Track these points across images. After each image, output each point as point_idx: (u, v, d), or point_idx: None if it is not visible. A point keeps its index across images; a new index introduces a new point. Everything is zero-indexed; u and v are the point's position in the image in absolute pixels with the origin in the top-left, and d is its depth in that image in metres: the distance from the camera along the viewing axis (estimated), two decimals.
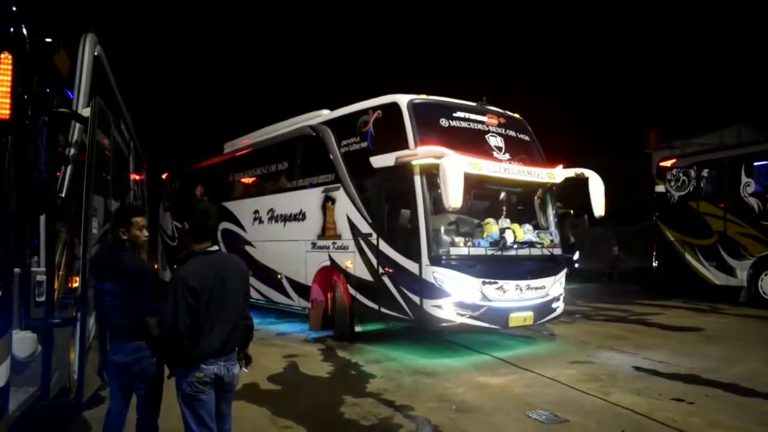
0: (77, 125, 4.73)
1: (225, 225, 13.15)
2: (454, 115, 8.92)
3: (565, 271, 9.32)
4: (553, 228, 9.58)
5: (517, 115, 9.87)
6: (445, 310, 7.94)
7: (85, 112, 4.69)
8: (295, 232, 10.84)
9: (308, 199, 10.50)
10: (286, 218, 11.19)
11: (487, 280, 8.10)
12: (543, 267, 8.89)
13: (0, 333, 3.33)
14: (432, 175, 8.00)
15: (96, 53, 5.20)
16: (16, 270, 3.95)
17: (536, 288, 8.60)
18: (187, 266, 3.43)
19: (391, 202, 8.77)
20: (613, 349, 8.79)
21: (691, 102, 32.23)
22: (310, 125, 10.90)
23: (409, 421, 5.55)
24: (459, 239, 8.36)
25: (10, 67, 3.20)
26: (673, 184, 15.26)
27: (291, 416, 5.69)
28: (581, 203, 11.00)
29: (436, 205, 8.09)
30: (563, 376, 7.06)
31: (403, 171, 8.34)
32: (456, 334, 9.40)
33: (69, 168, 4.65)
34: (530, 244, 8.82)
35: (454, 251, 8.16)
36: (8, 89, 3.20)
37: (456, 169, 7.45)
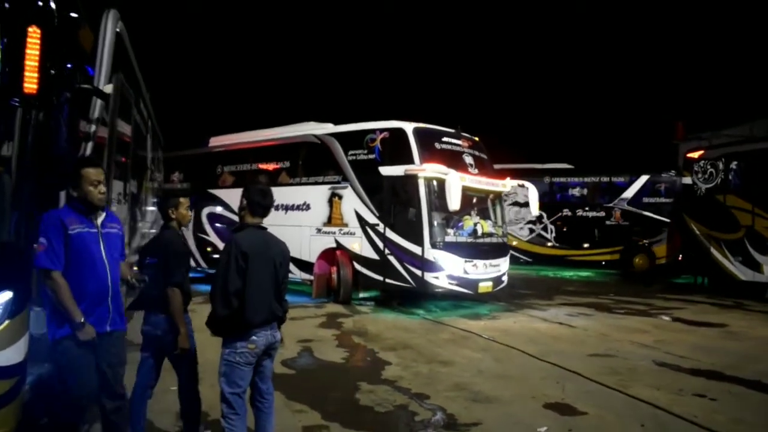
0: (98, 102, 4.77)
1: (214, 209, 15.44)
2: (443, 139, 12.00)
3: (509, 253, 12.90)
4: (501, 222, 12.86)
5: (477, 138, 13.00)
6: (440, 280, 11.04)
7: (107, 88, 4.74)
8: (299, 220, 13.31)
9: (313, 194, 13.14)
10: (287, 207, 13.59)
11: (467, 260, 11.26)
12: (498, 250, 12.27)
13: (18, 309, 3.36)
14: (432, 184, 11.08)
15: (118, 30, 5.24)
16: (35, 246, 4.01)
17: (495, 265, 11.93)
18: (241, 234, 3.90)
19: (397, 202, 11.60)
20: (633, 342, 8.77)
21: (721, 93, 31.69)
22: (314, 134, 13.52)
23: (424, 409, 5.60)
24: (449, 230, 11.33)
25: (38, 41, 3.23)
26: (700, 176, 15.09)
27: (305, 401, 5.75)
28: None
29: (433, 205, 11.06)
30: (582, 369, 7.07)
31: (409, 180, 11.25)
32: (474, 327, 9.68)
33: (89, 145, 4.70)
34: (491, 234, 12.10)
35: (446, 239, 11.16)
36: (36, 63, 3.22)
37: (457, 183, 10.46)
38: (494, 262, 11.91)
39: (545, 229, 20.46)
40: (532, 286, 15.92)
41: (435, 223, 11.08)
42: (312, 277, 12.95)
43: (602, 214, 19.61)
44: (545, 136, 35.71)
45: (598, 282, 18.05)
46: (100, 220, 3.74)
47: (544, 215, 20.19)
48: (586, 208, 19.77)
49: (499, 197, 12.99)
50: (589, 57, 46.17)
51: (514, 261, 20.24)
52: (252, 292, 3.74)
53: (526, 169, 20.73)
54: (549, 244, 20.48)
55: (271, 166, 14.67)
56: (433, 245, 10.98)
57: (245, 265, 3.72)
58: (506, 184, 12.73)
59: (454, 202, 10.33)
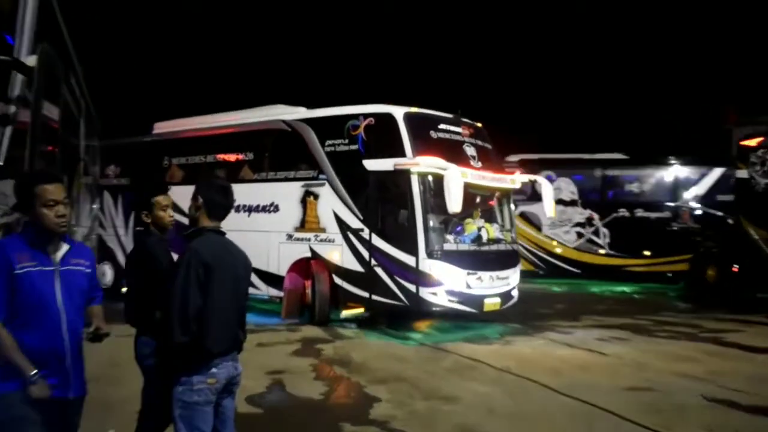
0: (19, 77, 4.73)
1: None
2: (440, 126, 12.12)
3: (520, 264, 12.98)
4: (510, 225, 13.14)
5: (479, 125, 13.17)
6: (439, 296, 11.06)
7: (30, 61, 4.70)
8: (264, 224, 13.39)
9: (282, 192, 13.26)
10: (251, 209, 13.64)
11: (470, 271, 11.31)
12: (507, 260, 12.35)
13: None
14: (427, 181, 11.13)
15: None
16: None
17: (503, 278, 12.01)
18: (201, 240, 3.82)
19: (386, 202, 11.82)
20: (678, 373, 8.80)
21: None
22: (284, 120, 13.58)
23: None
24: (449, 237, 11.55)
25: None
26: (758, 168, 15.14)
27: None
28: None
29: (429, 206, 11.10)
30: (616, 406, 7.08)
31: (400, 176, 11.25)
32: (480, 355, 9.81)
33: (8, 129, 4.67)
34: (497, 241, 12.24)
35: (446, 247, 11.23)
36: None
37: (458, 179, 10.40)
38: (502, 274, 11.97)
39: (597, 233, 20.30)
40: (553, 304, 15.94)
41: (431, 228, 11.12)
42: (282, 294, 12.98)
43: (667, 214, 19.56)
44: (587, 118, 35.57)
45: (641, 300, 18.06)
46: (59, 254, 3.47)
47: (596, 217, 20.17)
48: (647, 208, 19.68)
49: (507, 195, 13.14)
50: (634, 30, 46.34)
51: (560, 274, 20.16)
52: (213, 313, 3.67)
53: (572, 159, 20.74)
54: (602, 251, 20.24)
55: (230, 158, 14.66)
56: (430, 254, 11.00)
57: (206, 279, 3.65)
58: (515, 180, 12.83)
59: (454, 203, 10.31)
